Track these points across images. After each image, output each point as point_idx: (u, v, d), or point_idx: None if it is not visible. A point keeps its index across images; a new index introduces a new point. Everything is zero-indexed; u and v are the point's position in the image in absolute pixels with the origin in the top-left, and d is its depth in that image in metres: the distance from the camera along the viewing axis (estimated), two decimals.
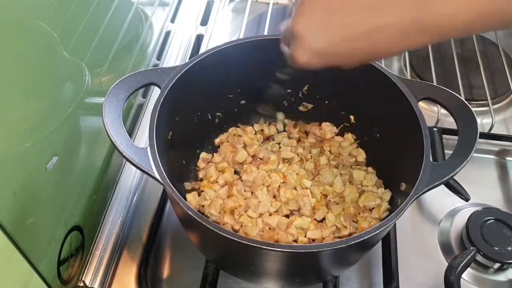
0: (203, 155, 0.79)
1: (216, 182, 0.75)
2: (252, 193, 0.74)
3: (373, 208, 0.70)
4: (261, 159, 0.78)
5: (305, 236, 0.69)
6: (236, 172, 0.78)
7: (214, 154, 0.80)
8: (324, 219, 0.71)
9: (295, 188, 0.74)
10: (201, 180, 0.77)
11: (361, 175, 0.75)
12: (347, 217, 0.70)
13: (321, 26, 0.47)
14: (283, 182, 0.74)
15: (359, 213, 0.70)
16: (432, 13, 0.43)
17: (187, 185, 0.76)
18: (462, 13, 0.42)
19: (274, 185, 0.74)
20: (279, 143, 0.81)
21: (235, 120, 0.83)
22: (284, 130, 0.84)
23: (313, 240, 0.69)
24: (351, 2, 0.46)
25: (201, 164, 0.79)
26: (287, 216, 0.72)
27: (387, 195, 0.71)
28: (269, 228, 0.69)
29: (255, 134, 0.82)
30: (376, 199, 0.70)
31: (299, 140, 0.82)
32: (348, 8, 0.46)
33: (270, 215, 0.71)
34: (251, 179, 0.74)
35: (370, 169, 0.76)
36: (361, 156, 0.78)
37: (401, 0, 0.43)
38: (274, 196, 0.73)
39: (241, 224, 0.70)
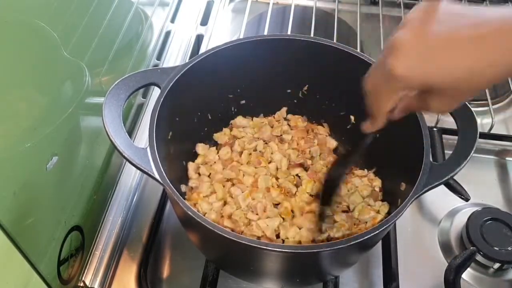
0: (191, 165, 0.76)
1: (207, 196, 0.73)
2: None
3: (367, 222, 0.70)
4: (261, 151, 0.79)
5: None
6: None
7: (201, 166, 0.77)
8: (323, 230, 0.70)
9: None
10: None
11: (359, 183, 0.74)
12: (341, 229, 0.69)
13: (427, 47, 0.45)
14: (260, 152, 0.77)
15: (354, 225, 0.70)
16: None
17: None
18: None
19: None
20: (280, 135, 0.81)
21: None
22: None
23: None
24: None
25: (192, 174, 0.76)
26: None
27: (385, 208, 0.70)
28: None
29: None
30: (370, 212, 0.70)
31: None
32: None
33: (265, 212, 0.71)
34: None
35: (371, 175, 0.76)
36: (377, 185, 0.75)
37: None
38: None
39: (239, 225, 0.69)
